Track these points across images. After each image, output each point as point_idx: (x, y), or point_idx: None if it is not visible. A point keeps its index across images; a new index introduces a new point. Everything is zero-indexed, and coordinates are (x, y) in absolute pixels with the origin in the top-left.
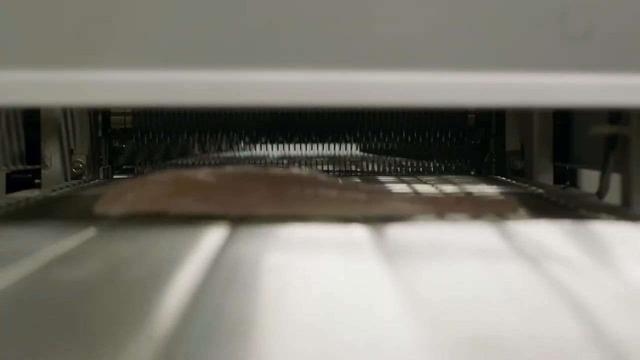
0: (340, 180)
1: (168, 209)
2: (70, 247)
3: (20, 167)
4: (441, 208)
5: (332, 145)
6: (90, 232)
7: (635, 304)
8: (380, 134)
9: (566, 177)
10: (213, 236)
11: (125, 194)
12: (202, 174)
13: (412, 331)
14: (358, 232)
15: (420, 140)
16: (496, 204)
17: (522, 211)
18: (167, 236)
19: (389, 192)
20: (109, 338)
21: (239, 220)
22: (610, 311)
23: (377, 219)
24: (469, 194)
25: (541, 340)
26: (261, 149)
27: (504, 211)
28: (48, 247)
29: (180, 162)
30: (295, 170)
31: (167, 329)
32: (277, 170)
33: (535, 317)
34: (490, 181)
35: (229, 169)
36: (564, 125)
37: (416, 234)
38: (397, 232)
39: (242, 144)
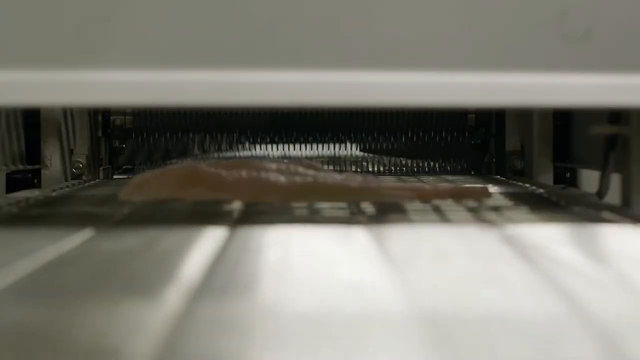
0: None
1: (185, 196)
2: (112, 223)
3: (20, 167)
4: (424, 194)
5: (332, 145)
6: (125, 211)
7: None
8: (380, 134)
9: (566, 177)
10: (227, 218)
11: (148, 182)
12: (215, 165)
13: (384, 279)
14: (354, 224)
15: (420, 140)
16: (471, 190)
17: (493, 194)
18: (181, 224)
19: (380, 181)
20: (151, 283)
21: (247, 206)
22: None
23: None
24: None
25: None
26: (261, 149)
27: (478, 196)
28: (90, 226)
29: (180, 162)
30: (297, 163)
31: (195, 281)
32: (282, 163)
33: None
34: (490, 181)
35: (239, 161)
36: (564, 125)
37: (408, 227)
38: (389, 224)
39: (242, 144)
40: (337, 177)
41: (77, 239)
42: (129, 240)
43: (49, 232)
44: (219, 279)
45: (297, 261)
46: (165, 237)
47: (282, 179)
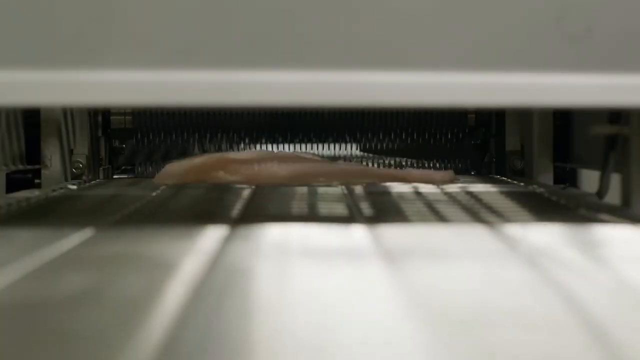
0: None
1: (207, 180)
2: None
3: (20, 167)
4: (401, 177)
5: (332, 145)
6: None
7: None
8: (380, 134)
9: (566, 177)
10: (244, 193)
11: (176, 169)
12: (233, 154)
13: (369, 243)
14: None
15: (420, 140)
16: (439, 175)
17: (460, 178)
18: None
19: (364, 167)
20: (192, 234)
21: (258, 189)
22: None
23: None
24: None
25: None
26: (261, 149)
27: (446, 180)
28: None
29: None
30: (299, 153)
31: (218, 245)
32: (287, 153)
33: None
34: (490, 181)
35: (252, 151)
36: (564, 125)
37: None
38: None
39: (242, 144)
40: (331, 164)
41: (130, 207)
42: (166, 211)
43: (92, 207)
44: (239, 233)
45: (296, 223)
46: (193, 211)
47: (285, 166)
